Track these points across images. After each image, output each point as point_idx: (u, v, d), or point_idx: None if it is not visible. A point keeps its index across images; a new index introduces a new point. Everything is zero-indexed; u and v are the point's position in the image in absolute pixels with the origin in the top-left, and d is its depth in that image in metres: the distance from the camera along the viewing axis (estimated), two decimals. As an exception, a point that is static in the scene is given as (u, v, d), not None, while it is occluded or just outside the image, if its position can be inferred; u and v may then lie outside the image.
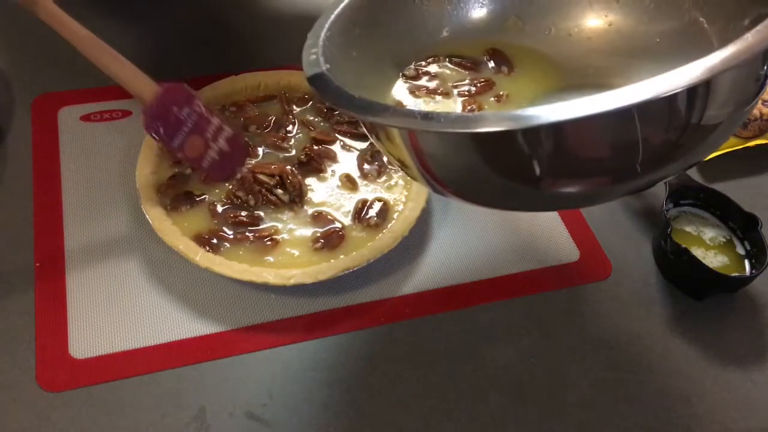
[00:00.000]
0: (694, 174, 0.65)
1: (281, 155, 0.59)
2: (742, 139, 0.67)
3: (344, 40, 0.46)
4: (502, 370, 0.52)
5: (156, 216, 0.53)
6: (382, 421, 0.48)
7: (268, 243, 0.53)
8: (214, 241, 0.53)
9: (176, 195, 0.56)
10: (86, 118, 0.63)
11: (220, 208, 0.55)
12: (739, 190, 0.61)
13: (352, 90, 0.38)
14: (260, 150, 0.59)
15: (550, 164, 0.35)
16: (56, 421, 0.46)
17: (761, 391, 0.53)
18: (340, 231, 0.55)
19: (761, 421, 0.51)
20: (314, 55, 0.42)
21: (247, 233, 0.54)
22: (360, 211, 0.56)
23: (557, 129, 0.33)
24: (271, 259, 0.53)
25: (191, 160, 0.53)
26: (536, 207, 0.48)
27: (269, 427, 0.47)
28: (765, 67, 0.35)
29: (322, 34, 0.44)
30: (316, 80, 0.40)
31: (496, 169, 0.36)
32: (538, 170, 0.35)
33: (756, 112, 0.67)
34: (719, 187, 0.60)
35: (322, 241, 0.54)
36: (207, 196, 0.56)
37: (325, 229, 0.55)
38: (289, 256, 0.53)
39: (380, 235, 0.54)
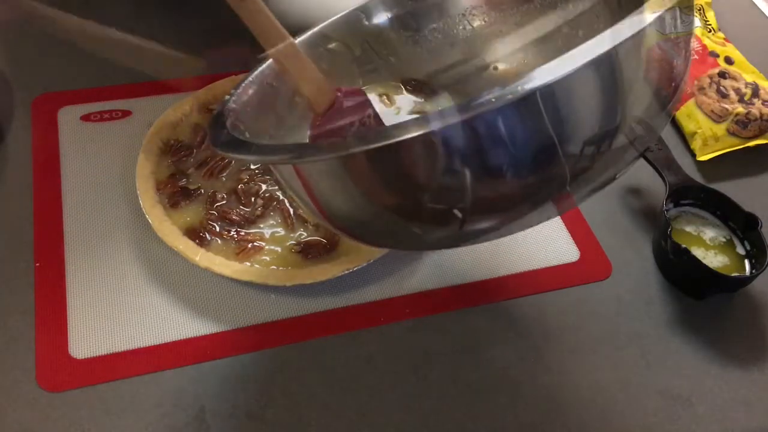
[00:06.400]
0: (694, 174, 0.65)
1: None
2: (742, 139, 0.67)
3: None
4: (502, 370, 0.52)
5: (156, 216, 0.53)
6: (382, 421, 0.48)
7: (250, 247, 0.53)
8: (204, 235, 0.54)
9: (173, 192, 0.56)
10: (86, 118, 0.63)
11: (219, 201, 0.56)
12: (739, 190, 0.61)
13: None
14: None
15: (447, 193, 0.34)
16: (56, 421, 0.46)
17: (761, 391, 0.53)
18: (327, 244, 0.54)
19: (761, 421, 0.51)
20: (228, 96, 0.45)
21: (232, 232, 0.54)
22: None
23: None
24: (248, 263, 0.52)
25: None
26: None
27: (269, 427, 0.47)
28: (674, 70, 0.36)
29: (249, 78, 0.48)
30: (213, 117, 0.42)
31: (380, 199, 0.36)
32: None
33: (756, 112, 0.67)
34: (719, 187, 0.60)
35: (302, 245, 0.54)
36: (203, 190, 0.56)
37: (310, 238, 0.55)
38: (267, 263, 0.53)
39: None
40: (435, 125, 0.30)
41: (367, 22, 0.54)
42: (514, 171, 0.33)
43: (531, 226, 0.38)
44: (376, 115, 0.44)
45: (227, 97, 0.45)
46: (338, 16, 0.53)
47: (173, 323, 0.51)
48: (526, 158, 0.33)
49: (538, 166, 0.33)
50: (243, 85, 0.47)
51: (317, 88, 0.42)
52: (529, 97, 0.30)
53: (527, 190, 0.34)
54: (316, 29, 0.53)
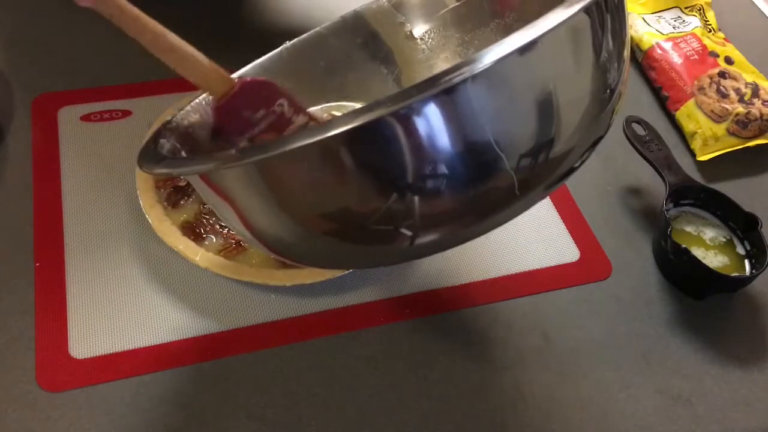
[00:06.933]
0: (694, 174, 0.65)
1: None
2: (742, 139, 0.67)
3: None
4: (502, 370, 0.52)
5: (156, 216, 0.53)
6: (382, 421, 0.48)
7: (241, 245, 0.54)
8: (199, 230, 0.54)
9: (169, 193, 0.56)
10: (86, 118, 0.63)
11: None
12: (739, 190, 0.61)
13: None
14: None
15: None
16: (56, 421, 0.46)
17: (761, 391, 0.53)
18: None
19: (761, 421, 0.51)
20: (171, 116, 0.44)
21: (225, 229, 0.54)
22: None
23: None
24: (240, 257, 0.53)
25: None
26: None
27: (269, 427, 0.47)
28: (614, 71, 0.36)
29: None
30: (151, 136, 0.43)
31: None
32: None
33: (756, 111, 0.67)
34: (719, 187, 0.60)
35: None
36: None
37: None
38: (251, 264, 0.53)
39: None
40: (336, 129, 0.29)
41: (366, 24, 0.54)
42: (451, 176, 0.32)
43: (501, 223, 0.37)
44: (293, 103, 0.44)
45: (169, 117, 0.45)
46: (337, 19, 0.54)
47: (173, 323, 0.51)
48: (462, 159, 0.32)
49: (480, 166, 0.32)
50: (187, 108, 0.46)
51: (202, 77, 0.42)
52: (454, 91, 0.29)
53: (475, 191, 0.33)
54: (315, 30, 0.53)
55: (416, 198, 0.32)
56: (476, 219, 0.35)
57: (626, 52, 0.37)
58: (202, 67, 0.41)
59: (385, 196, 0.32)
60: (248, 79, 0.43)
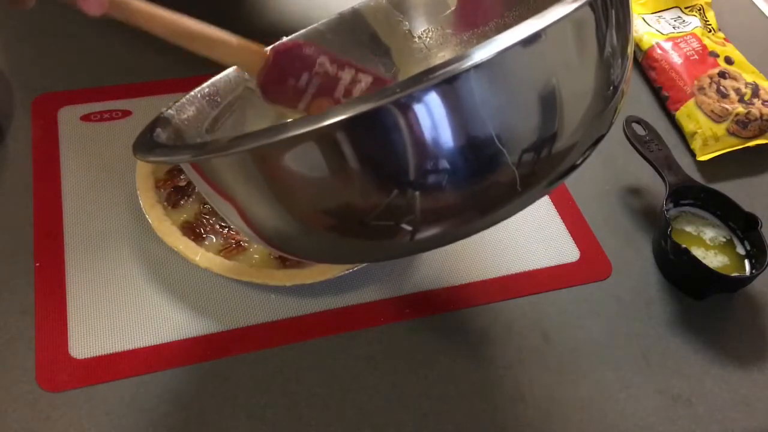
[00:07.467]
0: (694, 174, 0.65)
1: None
2: (742, 139, 0.67)
3: None
4: (502, 370, 0.52)
5: (156, 216, 0.53)
6: (382, 421, 0.48)
7: (241, 244, 0.54)
8: (199, 230, 0.54)
9: (169, 193, 0.56)
10: (86, 118, 0.63)
11: None
12: (739, 190, 0.61)
13: None
14: None
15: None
16: (56, 421, 0.46)
17: (761, 391, 0.53)
18: None
19: (761, 421, 0.51)
20: (166, 108, 0.44)
21: (225, 229, 0.54)
22: None
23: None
24: (240, 257, 0.53)
25: None
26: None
27: (269, 427, 0.47)
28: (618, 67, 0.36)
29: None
30: (146, 126, 0.42)
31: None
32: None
33: (756, 111, 0.67)
34: (719, 187, 0.60)
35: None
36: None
37: None
38: (250, 263, 0.53)
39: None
40: (334, 118, 0.28)
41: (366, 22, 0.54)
42: (452, 168, 0.31)
43: (503, 219, 0.36)
44: (334, 59, 0.44)
45: (163, 109, 0.44)
46: (335, 15, 0.53)
47: (173, 323, 0.51)
48: (462, 151, 0.31)
49: (480, 158, 0.32)
50: (182, 101, 0.46)
51: (233, 57, 0.42)
52: (455, 81, 0.29)
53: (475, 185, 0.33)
54: (312, 26, 0.53)
55: (417, 193, 0.32)
56: (477, 214, 0.35)
57: (630, 49, 0.37)
58: (230, 47, 0.40)
59: (385, 190, 0.32)
60: (280, 45, 0.42)
